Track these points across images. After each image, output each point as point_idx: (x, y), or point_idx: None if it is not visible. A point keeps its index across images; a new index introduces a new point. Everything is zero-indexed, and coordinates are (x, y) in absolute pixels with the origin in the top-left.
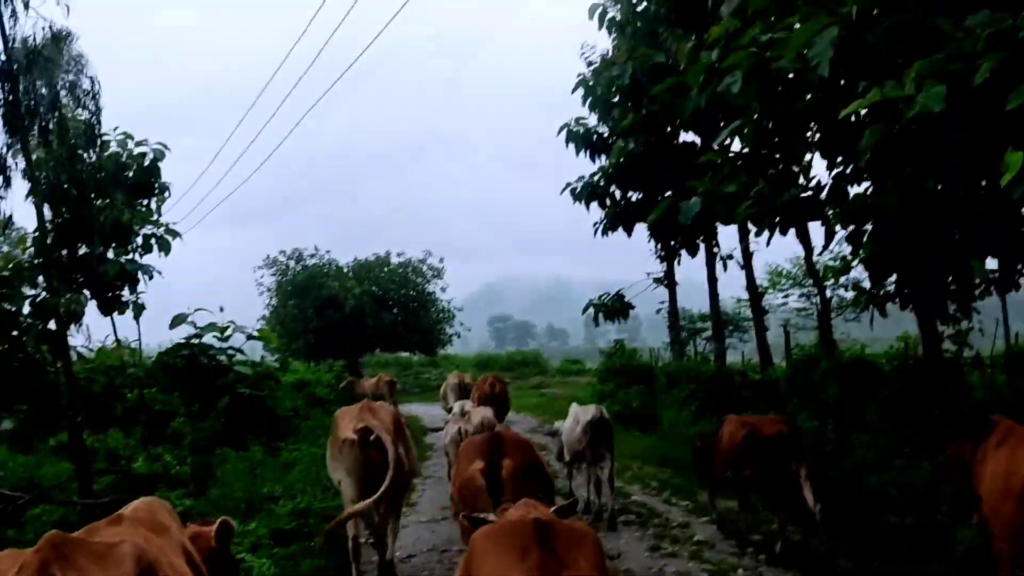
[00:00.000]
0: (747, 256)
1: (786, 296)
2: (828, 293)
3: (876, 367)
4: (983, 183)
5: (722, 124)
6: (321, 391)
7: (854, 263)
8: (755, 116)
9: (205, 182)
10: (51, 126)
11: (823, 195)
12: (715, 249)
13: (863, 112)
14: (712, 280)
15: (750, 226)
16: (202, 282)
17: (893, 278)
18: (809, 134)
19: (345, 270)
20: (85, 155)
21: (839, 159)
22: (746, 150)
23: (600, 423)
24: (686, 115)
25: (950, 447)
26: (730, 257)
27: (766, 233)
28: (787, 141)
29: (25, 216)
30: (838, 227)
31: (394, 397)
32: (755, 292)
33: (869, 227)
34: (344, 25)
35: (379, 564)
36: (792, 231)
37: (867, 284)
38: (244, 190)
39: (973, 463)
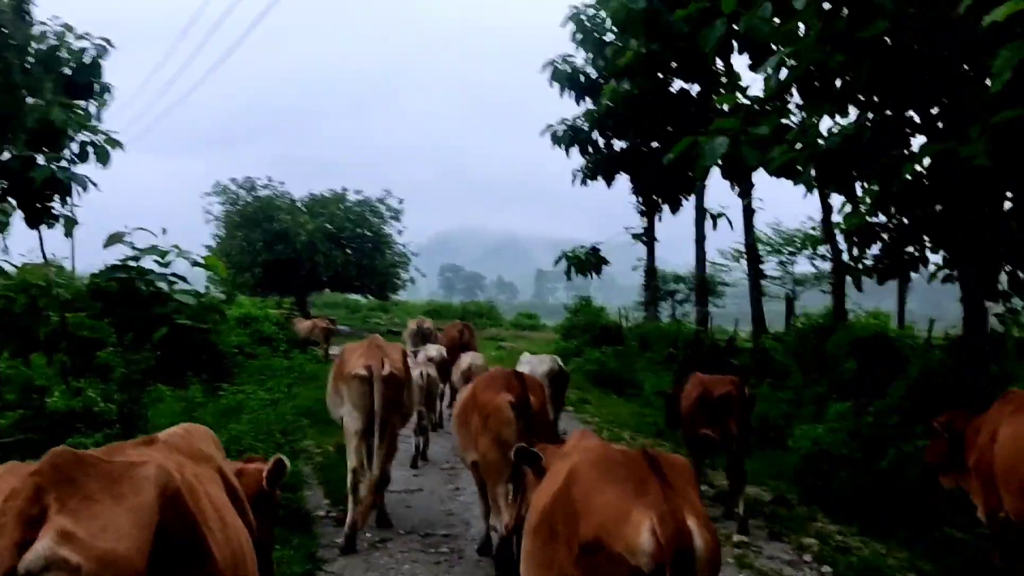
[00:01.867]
0: (748, 214)
1: (762, 264)
2: (795, 264)
3: (893, 343)
4: None
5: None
6: (269, 328)
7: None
8: (808, 44)
9: (150, 98)
10: None
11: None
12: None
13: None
14: (700, 238)
15: (755, 179)
16: (147, 208)
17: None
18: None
19: (298, 204)
20: (8, 32)
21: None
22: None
23: (559, 376)
24: (710, 45)
25: (941, 417)
26: (721, 215)
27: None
28: (851, 74)
29: None
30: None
31: (329, 344)
32: (754, 253)
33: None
34: None
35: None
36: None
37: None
38: (195, 118)
39: (968, 433)
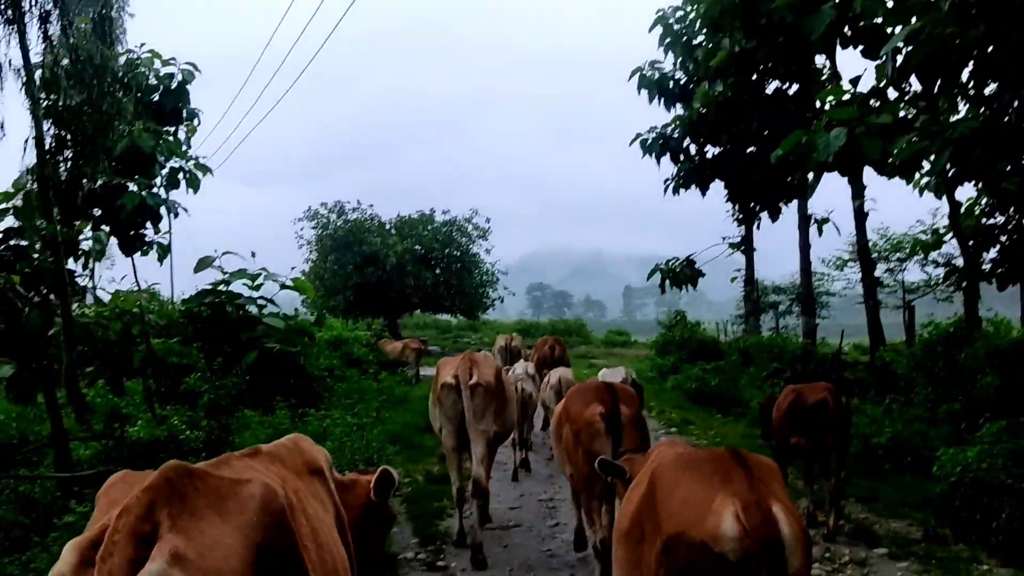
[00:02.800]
0: (860, 216)
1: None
2: (905, 271)
3: None
4: None
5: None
6: (359, 350)
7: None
8: (937, 18)
9: (237, 126)
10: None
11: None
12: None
13: None
14: (805, 246)
15: (866, 178)
16: (244, 235)
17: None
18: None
19: (387, 226)
20: (95, 58)
21: None
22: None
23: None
24: (818, 33)
25: None
26: (826, 221)
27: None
28: (990, 49)
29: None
30: None
31: (419, 365)
32: (868, 258)
33: None
34: None
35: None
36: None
37: (959, 261)
38: (287, 149)
39: None
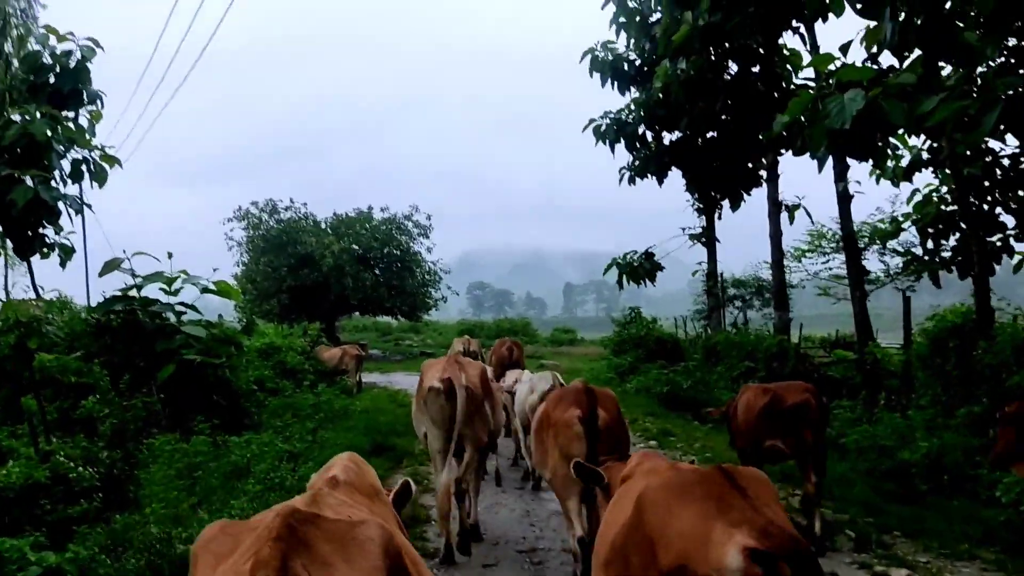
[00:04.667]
0: (844, 200)
1: (827, 260)
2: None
3: None
4: None
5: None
6: (293, 359)
7: None
8: None
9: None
10: None
11: None
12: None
13: None
14: (776, 234)
15: (851, 161)
16: (171, 243)
17: None
18: None
19: (323, 226)
20: None
21: None
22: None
23: None
24: None
25: (1011, 406)
26: (797, 207)
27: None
28: None
29: None
30: None
31: (360, 372)
32: (853, 245)
33: None
34: None
35: (460, 523)
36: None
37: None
38: (215, 151)
39: None
